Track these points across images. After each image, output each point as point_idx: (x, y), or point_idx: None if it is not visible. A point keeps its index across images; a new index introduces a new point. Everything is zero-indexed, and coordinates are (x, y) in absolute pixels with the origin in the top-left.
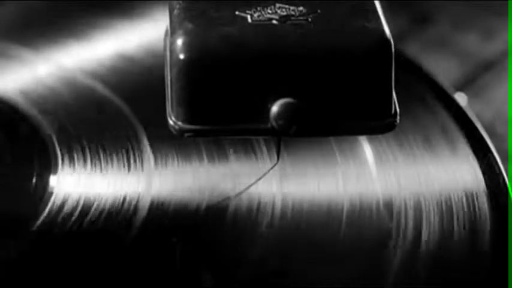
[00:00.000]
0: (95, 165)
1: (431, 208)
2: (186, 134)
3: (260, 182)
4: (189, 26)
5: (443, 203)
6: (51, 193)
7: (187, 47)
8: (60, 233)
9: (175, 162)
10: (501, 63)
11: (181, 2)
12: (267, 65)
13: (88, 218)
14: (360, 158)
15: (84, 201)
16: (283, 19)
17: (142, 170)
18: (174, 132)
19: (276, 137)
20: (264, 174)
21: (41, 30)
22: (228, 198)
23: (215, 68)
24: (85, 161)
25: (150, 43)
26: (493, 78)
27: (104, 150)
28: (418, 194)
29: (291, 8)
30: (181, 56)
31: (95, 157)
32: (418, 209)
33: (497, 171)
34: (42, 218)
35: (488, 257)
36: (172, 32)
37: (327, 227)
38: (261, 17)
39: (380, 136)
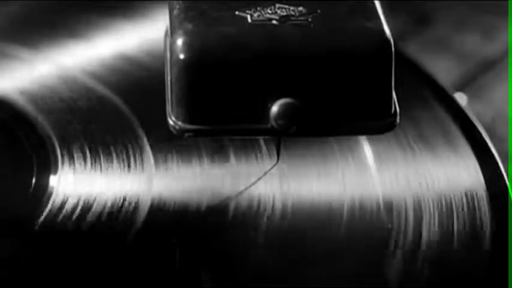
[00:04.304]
0: (95, 165)
1: (431, 208)
2: (186, 134)
3: (260, 182)
4: (189, 26)
5: (443, 203)
6: (51, 193)
7: (187, 47)
8: (60, 233)
9: (176, 162)
10: (501, 63)
11: (181, 2)
12: (267, 65)
13: (88, 218)
14: (360, 158)
15: (84, 201)
16: (283, 19)
17: (143, 170)
18: (174, 132)
19: (276, 137)
20: (264, 174)
21: (41, 30)
22: (228, 198)
23: (215, 68)
24: (85, 161)
25: (150, 43)
26: (493, 78)
27: (104, 150)
28: (418, 194)
29: (291, 8)
30: (182, 56)
31: (95, 157)
32: (418, 209)
33: (497, 172)
34: (42, 218)
35: (488, 256)
36: (172, 32)
37: (327, 227)
38: (260, 17)
39: (380, 136)
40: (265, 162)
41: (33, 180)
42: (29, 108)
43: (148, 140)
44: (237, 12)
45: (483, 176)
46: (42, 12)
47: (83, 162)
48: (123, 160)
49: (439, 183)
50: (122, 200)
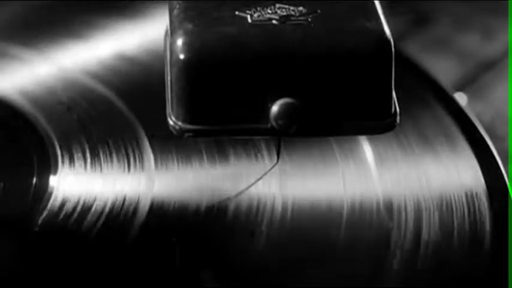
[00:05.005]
0: (95, 165)
1: (431, 208)
2: (186, 134)
3: (260, 182)
4: (189, 26)
5: (443, 203)
6: (51, 193)
7: (187, 47)
8: (60, 233)
9: (176, 162)
10: (501, 63)
11: (181, 2)
12: (267, 65)
13: (88, 218)
14: (360, 158)
15: (84, 201)
16: (283, 19)
17: (143, 170)
18: (175, 133)
19: (276, 137)
20: (264, 174)
21: (41, 30)
22: (228, 198)
23: (215, 68)
24: (85, 161)
25: (150, 43)
26: (493, 78)
27: (104, 151)
28: (418, 194)
29: (291, 8)
30: (182, 56)
31: (95, 157)
32: (418, 209)
33: (497, 172)
34: (42, 218)
35: (488, 256)
36: (172, 32)
37: (327, 227)
38: (261, 17)
39: (380, 136)
40: (265, 162)
41: (33, 180)
42: (29, 108)
43: (149, 140)
44: (237, 12)
45: (483, 176)
46: (42, 12)
47: (82, 162)
48: (123, 160)
49: (439, 183)
50: (122, 200)
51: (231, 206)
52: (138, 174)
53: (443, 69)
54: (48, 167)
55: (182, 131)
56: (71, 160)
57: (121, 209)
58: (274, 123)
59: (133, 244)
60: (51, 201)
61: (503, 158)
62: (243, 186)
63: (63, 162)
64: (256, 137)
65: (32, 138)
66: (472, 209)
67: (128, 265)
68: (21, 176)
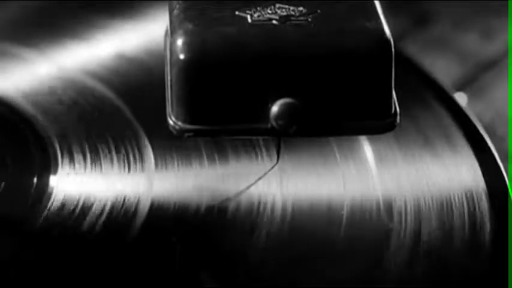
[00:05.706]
0: (95, 165)
1: (431, 208)
2: (186, 134)
3: (260, 182)
4: (189, 26)
5: (444, 203)
6: (51, 193)
7: (187, 47)
8: (60, 233)
9: (176, 162)
10: (501, 63)
11: (181, 2)
12: (267, 65)
13: (88, 218)
14: (360, 158)
15: (84, 201)
16: (283, 19)
17: (143, 170)
18: (174, 133)
19: (276, 137)
20: (264, 174)
21: (41, 30)
22: (228, 198)
23: (215, 68)
24: (85, 161)
25: (150, 43)
26: (493, 78)
27: (104, 150)
28: (418, 194)
29: (291, 8)
30: (181, 56)
31: (95, 157)
32: (418, 209)
33: (497, 172)
34: (42, 218)
35: (488, 256)
36: (172, 32)
37: (327, 227)
38: (261, 17)
39: (380, 136)
40: (265, 162)
41: (33, 180)
42: (29, 108)
43: (149, 140)
44: (237, 12)
45: (483, 176)
46: (42, 12)
47: (82, 162)
48: (123, 160)
49: (439, 183)
50: (122, 200)
51: (231, 206)
52: (138, 175)
53: (443, 69)
54: (48, 167)
55: (182, 131)
56: (71, 160)
57: (121, 209)
58: (274, 123)
59: (133, 244)
60: (51, 201)
61: (503, 158)
62: (243, 186)
63: (63, 162)
64: (256, 137)
65: (31, 138)
66: (472, 209)
67: (127, 265)
68: (21, 176)
